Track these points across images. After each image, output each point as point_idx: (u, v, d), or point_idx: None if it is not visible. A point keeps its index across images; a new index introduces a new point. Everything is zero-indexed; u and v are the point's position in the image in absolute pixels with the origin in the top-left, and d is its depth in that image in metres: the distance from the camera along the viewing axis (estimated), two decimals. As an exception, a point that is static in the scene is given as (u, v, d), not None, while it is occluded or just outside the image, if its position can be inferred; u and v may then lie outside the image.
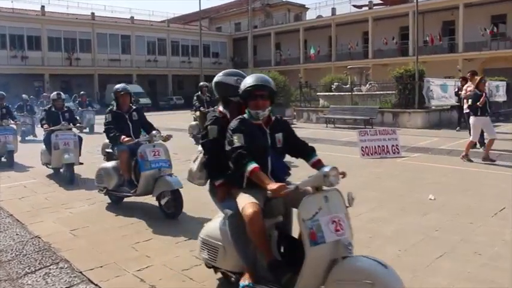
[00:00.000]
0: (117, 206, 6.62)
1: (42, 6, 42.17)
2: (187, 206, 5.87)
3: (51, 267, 4.34)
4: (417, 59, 17.28)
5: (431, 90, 17.00)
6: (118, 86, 6.75)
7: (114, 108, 6.64)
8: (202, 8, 36.44)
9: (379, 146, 10.36)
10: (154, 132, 6.30)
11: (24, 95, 19.05)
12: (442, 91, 17.64)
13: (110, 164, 6.58)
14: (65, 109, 9.18)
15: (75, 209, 6.52)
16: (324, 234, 2.86)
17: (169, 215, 5.89)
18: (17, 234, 5.36)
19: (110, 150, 6.65)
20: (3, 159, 10.78)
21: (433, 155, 10.75)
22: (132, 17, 47.72)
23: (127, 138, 6.21)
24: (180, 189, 5.76)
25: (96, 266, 4.32)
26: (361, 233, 5.06)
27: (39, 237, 5.20)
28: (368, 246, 4.66)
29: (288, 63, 46.47)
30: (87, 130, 17.63)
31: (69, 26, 42.62)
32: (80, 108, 19.90)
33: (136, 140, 6.36)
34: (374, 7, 43.22)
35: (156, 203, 6.12)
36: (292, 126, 13.94)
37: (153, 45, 48.61)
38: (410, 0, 39.74)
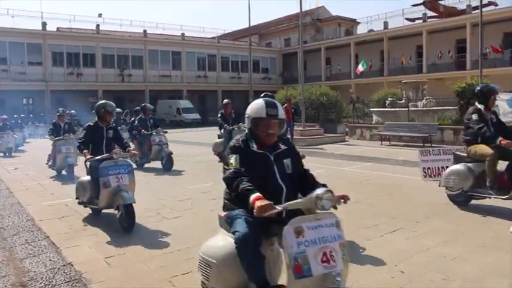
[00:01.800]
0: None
1: (97, 25, 43.66)
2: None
3: (78, 303, 3.90)
4: (481, 72, 16.14)
5: (497, 106, 15.70)
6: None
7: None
8: (252, 24, 36.35)
9: (443, 168, 9.37)
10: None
11: (142, 107, 13.27)
12: (509, 106, 16.34)
13: None
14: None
15: (114, 233, 6.11)
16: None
17: None
18: (50, 260, 4.99)
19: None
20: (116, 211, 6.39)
21: (505, 178, 9.65)
22: (183, 34, 48.50)
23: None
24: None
25: (127, 304, 3.82)
26: (432, 272, 4.30)
27: (72, 265, 4.81)
28: (444, 291, 3.90)
29: (338, 78, 45.57)
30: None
31: (122, 43, 43.88)
32: (226, 126, 13.00)
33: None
34: (428, 20, 41.73)
35: (195, 228, 5.58)
36: (344, 143, 13.28)
37: (203, 61, 49.13)
38: (467, 12, 38.09)
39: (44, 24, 40.18)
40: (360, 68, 34.54)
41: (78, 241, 5.72)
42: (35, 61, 39.14)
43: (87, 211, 7.16)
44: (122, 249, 5.35)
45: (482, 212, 6.58)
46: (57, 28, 43.84)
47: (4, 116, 20.44)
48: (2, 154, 18.34)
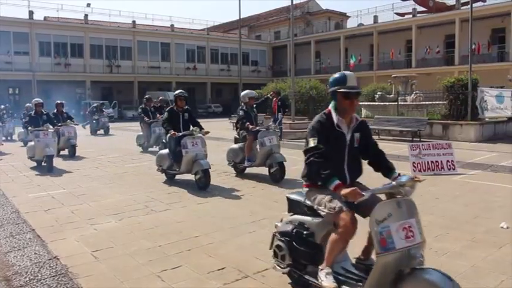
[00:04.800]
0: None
1: (86, 15, 43.03)
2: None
3: (64, 298, 3.80)
4: (470, 67, 16.14)
5: (485, 101, 15.84)
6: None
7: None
8: (242, 17, 36.14)
9: (432, 162, 9.42)
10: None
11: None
12: (497, 102, 16.45)
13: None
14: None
15: (101, 225, 6.00)
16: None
17: None
18: (35, 254, 4.88)
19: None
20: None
21: (494, 173, 9.65)
22: (172, 25, 48.10)
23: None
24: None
25: (115, 300, 3.73)
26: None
27: (58, 259, 4.70)
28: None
29: (328, 72, 45.37)
30: None
31: (110, 34, 43.35)
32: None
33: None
34: (418, 15, 41.83)
35: (184, 222, 5.50)
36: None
37: (192, 53, 48.78)
38: (456, 8, 38.24)
39: (31, 13, 39.45)
40: (351, 62, 34.53)
41: (65, 234, 5.61)
42: (21, 50, 38.41)
43: (73, 203, 7.03)
44: (110, 242, 5.25)
45: (470, 207, 6.56)
46: (45, 17, 43.15)
47: (37, 100, 12.26)
48: (59, 156, 12.73)
